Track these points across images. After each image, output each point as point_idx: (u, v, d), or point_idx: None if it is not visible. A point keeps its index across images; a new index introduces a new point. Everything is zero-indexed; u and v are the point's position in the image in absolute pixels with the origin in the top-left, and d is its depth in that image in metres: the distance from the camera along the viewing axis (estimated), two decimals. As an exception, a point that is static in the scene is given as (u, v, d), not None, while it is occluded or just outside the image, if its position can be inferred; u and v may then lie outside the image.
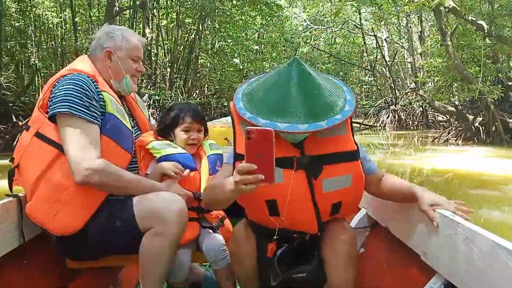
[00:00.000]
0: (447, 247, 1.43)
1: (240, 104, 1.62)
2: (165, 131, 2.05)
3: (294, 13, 27.31)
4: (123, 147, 1.78)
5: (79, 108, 1.62)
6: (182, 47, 19.58)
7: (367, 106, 29.05)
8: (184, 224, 1.71)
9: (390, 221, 1.93)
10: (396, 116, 22.13)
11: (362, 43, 33.68)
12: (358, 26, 28.76)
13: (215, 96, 26.03)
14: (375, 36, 21.88)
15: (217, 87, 25.19)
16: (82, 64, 1.81)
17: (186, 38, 19.80)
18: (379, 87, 23.03)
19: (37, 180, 1.63)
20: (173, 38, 17.87)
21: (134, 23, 17.05)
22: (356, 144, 1.65)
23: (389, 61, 21.77)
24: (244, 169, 1.25)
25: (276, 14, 25.62)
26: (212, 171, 2.02)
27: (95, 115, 1.67)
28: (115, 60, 1.86)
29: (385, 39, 22.49)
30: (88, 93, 1.66)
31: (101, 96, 1.72)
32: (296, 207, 1.58)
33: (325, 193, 1.59)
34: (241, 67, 21.84)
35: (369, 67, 23.82)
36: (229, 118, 1.84)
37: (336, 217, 1.71)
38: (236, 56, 17.68)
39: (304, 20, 27.83)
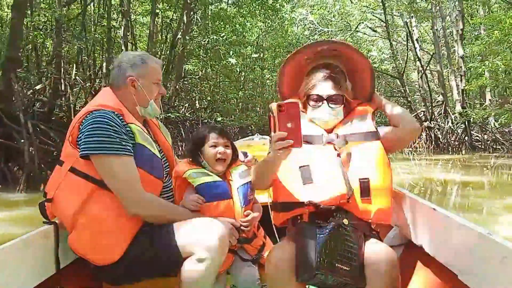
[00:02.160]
0: (484, 265, 1.40)
1: None
2: (194, 153, 2.06)
3: (301, 13, 22.72)
4: (155, 176, 1.79)
5: (111, 146, 1.64)
6: (160, 45, 14.95)
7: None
8: (225, 251, 1.71)
9: (425, 239, 1.85)
10: (432, 135, 17.45)
11: (381, 46, 29.68)
12: (373, 29, 24.71)
13: (207, 110, 21.48)
14: (408, 33, 17.21)
15: (209, 98, 20.63)
16: (106, 98, 1.81)
17: (165, 34, 15.16)
18: (408, 99, 18.37)
19: (76, 213, 1.65)
20: (149, 33, 13.15)
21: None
22: (376, 128, 1.91)
23: (423, 66, 17.09)
24: (277, 136, 1.51)
25: (278, 15, 21.40)
26: (244, 203, 1.99)
27: (128, 147, 1.69)
28: (139, 87, 1.84)
29: (416, 40, 17.80)
30: (116, 128, 1.67)
31: (128, 129, 1.72)
32: (326, 172, 1.78)
33: (351, 166, 1.81)
34: (238, 69, 17.12)
35: (396, 73, 19.11)
36: (255, 137, 2.43)
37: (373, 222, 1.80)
38: (231, 55, 13.05)
39: (311, 22, 23.34)
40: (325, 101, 1.90)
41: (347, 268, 1.58)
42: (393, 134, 1.91)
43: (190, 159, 2.06)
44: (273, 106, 1.68)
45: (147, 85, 1.86)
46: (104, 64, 12.92)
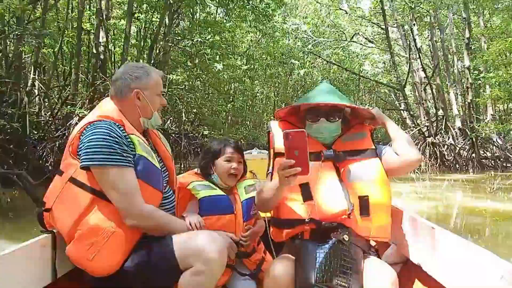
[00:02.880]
0: (483, 284, 1.39)
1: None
2: (206, 165, 2.07)
3: (294, 23, 21.34)
4: (154, 187, 1.78)
5: (112, 157, 1.64)
6: (138, 50, 13.32)
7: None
8: (224, 264, 1.70)
9: (423, 258, 1.84)
10: (438, 152, 15.93)
11: (374, 59, 28.42)
12: (369, 40, 23.47)
13: (193, 123, 19.89)
14: (414, 40, 15.79)
15: (194, 111, 19.03)
16: (107, 109, 1.82)
17: (144, 38, 13.56)
18: (411, 113, 16.89)
19: (75, 223, 1.64)
20: (124, 35, 11.52)
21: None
22: (375, 145, 1.96)
23: (428, 77, 15.63)
24: (285, 164, 1.54)
25: (269, 23, 20.01)
26: (246, 218, 2.01)
27: (129, 158, 1.69)
28: (143, 99, 1.85)
29: (419, 49, 16.37)
30: (117, 139, 1.67)
31: (129, 140, 1.72)
32: (326, 189, 1.81)
33: (351, 183, 1.84)
34: (225, 76, 15.53)
35: (397, 85, 17.61)
36: (253, 151, 2.42)
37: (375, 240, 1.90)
38: (218, 60, 11.47)
39: (304, 32, 21.99)
40: (323, 118, 1.92)
41: (345, 285, 1.57)
42: (394, 161, 1.91)
43: (198, 171, 2.09)
44: (273, 124, 2.07)
45: (151, 97, 1.87)
46: (73, 70, 11.27)
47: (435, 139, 16.13)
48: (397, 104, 34.17)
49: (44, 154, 10.01)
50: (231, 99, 22.92)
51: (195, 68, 14.79)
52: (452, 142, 16.06)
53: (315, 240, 1.71)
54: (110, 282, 1.68)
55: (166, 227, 1.77)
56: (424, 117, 17.11)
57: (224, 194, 2.01)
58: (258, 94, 26.92)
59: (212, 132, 19.04)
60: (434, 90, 16.36)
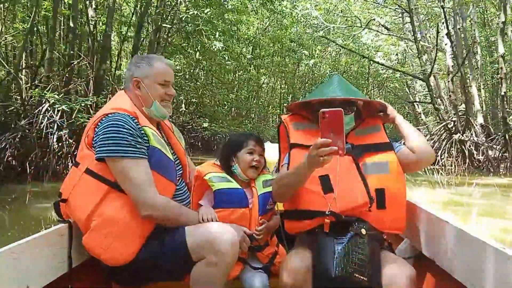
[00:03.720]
0: (497, 280, 1.36)
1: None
2: (228, 157, 2.06)
3: (305, 7, 19.28)
4: (168, 179, 1.79)
5: (127, 149, 1.65)
6: (124, 26, 11.38)
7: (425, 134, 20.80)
8: (236, 256, 1.71)
9: (436, 252, 1.81)
10: (466, 151, 13.97)
11: (388, 50, 26.39)
12: (387, 27, 21.49)
13: (194, 114, 18.04)
14: (444, 17, 13.64)
15: (195, 101, 17.18)
16: (121, 101, 1.83)
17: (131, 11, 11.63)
18: (436, 106, 14.88)
19: (90, 214, 1.65)
20: (108, 10, 9.59)
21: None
22: (390, 139, 1.94)
23: (459, 65, 13.59)
24: (321, 143, 1.49)
25: (278, 7, 18.05)
26: (261, 212, 1.98)
27: (143, 150, 1.71)
28: (143, 87, 1.86)
29: (448, 32, 14.29)
30: (131, 131, 1.68)
31: (143, 132, 1.73)
32: (346, 182, 1.77)
33: (367, 176, 1.81)
34: (226, 57, 13.58)
35: (421, 75, 15.51)
36: (265, 145, 2.21)
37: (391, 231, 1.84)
38: (218, 37, 9.58)
39: (316, 17, 19.98)
40: None
41: (364, 278, 1.55)
42: (408, 159, 1.89)
43: (217, 162, 2.07)
44: (284, 117, 2.09)
45: (150, 85, 1.86)
46: (48, 48, 9.40)
47: (462, 136, 14.16)
48: (410, 97, 32.31)
49: (5, 146, 8.19)
50: (235, 90, 21.02)
51: (194, 52, 12.99)
52: (482, 140, 14.09)
53: (334, 233, 1.68)
54: (124, 272, 1.71)
55: (179, 219, 1.76)
56: (448, 111, 15.09)
57: (240, 187, 1.98)
58: (263, 85, 25.03)
59: (213, 125, 17.26)
60: (462, 82, 14.33)
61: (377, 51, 32.89)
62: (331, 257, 1.60)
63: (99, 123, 1.71)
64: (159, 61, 1.91)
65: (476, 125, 14.25)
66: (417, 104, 29.12)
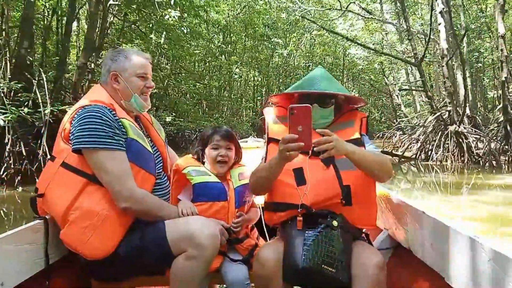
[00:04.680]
0: (471, 269, 1.37)
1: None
2: (200, 152, 2.04)
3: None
4: (147, 171, 1.75)
5: (104, 140, 1.62)
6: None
7: (406, 126, 19.03)
8: (217, 249, 1.69)
9: (413, 243, 1.82)
10: (464, 144, 12.21)
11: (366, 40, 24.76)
12: (368, 10, 19.62)
13: (158, 109, 15.75)
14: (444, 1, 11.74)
15: (157, 91, 14.87)
16: (97, 93, 1.80)
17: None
18: (429, 93, 12.99)
19: (68, 208, 1.62)
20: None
21: None
22: (361, 134, 1.90)
23: (459, 45, 11.70)
24: (288, 138, 1.51)
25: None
26: (238, 205, 1.95)
27: (121, 142, 1.67)
28: (121, 81, 1.82)
29: (443, 11, 12.36)
30: (109, 122, 1.65)
31: (120, 124, 1.70)
32: (319, 175, 1.76)
33: (340, 172, 1.78)
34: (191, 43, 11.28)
35: (413, 60, 13.49)
36: (249, 140, 2.91)
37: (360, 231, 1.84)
38: (174, 5, 7.37)
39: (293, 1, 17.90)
40: (315, 104, 1.87)
41: (333, 270, 1.55)
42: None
43: (195, 156, 2.04)
44: (266, 111, 2.05)
45: (129, 78, 1.82)
46: None
47: (459, 127, 12.39)
48: (390, 89, 30.74)
49: None
50: (205, 81, 18.77)
51: (149, 31, 10.79)
52: (480, 132, 12.38)
53: (306, 225, 1.67)
54: (103, 267, 1.68)
55: (158, 212, 1.73)
56: (438, 100, 13.27)
57: (218, 181, 1.95)
58: (236, 76, 22.87)
59: (179, 120, 15.05)
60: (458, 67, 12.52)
61: (353, 40, 31.49)
62: (301, 249, 1.58)
63: (75, 115, 1.66)
64: (136, 55, 1.87)
65: (469, 115, 12.53)
66: (397, 95, 27.59)
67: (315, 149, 1.58)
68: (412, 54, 12.88)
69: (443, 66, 12.42)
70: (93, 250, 1.62)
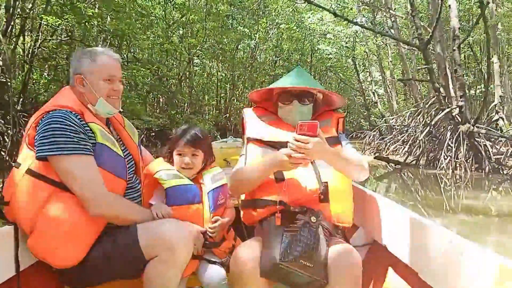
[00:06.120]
0: (443, 263, 1.38)
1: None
2: (168, 156, 1.95)
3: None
4: (118, 176, 1.68)
5: (69, 146, 1.55)
6: None
7: (399, 124, 16.40)
8: (190, 252, 1.65)
9: (388, 239, 1.84)
10: (481, 147, 9.47)
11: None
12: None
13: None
14: None
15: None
16: (64, 97, 1.71)
17: None
18: (436, 84, 10.08)
19: (34, 216, 1.54)
20: None
21: None
22: (339, 133, 1.94)
23: (474, 26, 8.84)
24: (296, 155, 1.59)
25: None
26: (213, 208, 1.88)
27: (88, 146, 1.60)
28: (87, 84, 1.71)
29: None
30: (74, 128, 1.57)
31: (88, 128, 1.63)
32: (297, 171, 1.74)
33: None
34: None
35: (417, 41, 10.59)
36: (228, 139, 2.59)
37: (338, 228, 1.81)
38: None
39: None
40: (295, 100, 1.89)
41: (310, 265, 1.53)
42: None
43: (166, 159, 1.96)
44: (246, 111, 2.07)
45: (95, 82, 1.72)
46: None
47: (474, 127, 9.64)
48: (362, 86, 28.26)
49: None
50: (158, 72, 15.38)
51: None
52: (498, 133, 9.69)
53: (284, 222, 1.66)
54: (75, 273, 1.61)
55: (130, 217, 1.66)
56: (458, 94, 10.44)
57: (192, 183, 1.86)
58: (197, 69, 19.62)
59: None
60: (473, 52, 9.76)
61: (324, 35, 28.89)
62: (278, 245, 1.56)
63: (40, 121, 1.58)
64: (103, 55, 1.76)
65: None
66: (373, 93, 25.16)
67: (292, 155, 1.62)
68: (416, 35, 9.93)
69: (454, 50, 9.60)
70: (62, 258, 1.55)
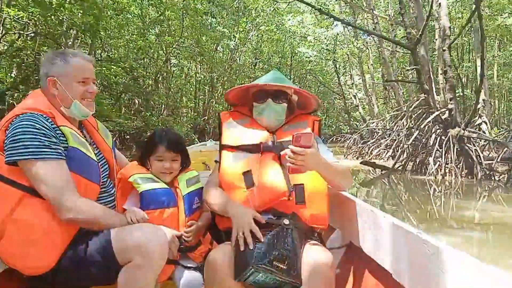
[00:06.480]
0: (414, 263, 1.39)
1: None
2: (143, 160, 1.93)
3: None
4: (90, 180, 1.65)
5: (40, 150, 1.51)
6: None
7: (381, 128, 15.93)
8: (165, 257, 1.58)
9: (363, 241, 1.82)
10: (472, 152, 8.99)
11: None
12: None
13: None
14: None
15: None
16: (34, 100, 1.66)
17: None
18: (425, 86, 9.52)
19: (3, 222, 1.50)
20: None
21: None
22: (315, 137, 1.84)
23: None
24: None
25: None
26: (188, 212, 1.85)
27: (59, 150, 1.56)
28: (60, 87, 1.67)
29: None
30: (45, 131, 1.53)
31: (59, 132, 1.58)
32: (267, 176, 1.76)
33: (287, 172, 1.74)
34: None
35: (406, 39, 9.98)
36: (208, 143, 2.24)
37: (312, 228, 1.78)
38: None
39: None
40: (270, 98, 1.88)
41: (284, 267, 1.51)
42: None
43: (140, 163, 1.93)
44: (223, 115, 2.03)
45: (68, 84, 1.67)
46: None
47: (465, 131, 9.16)
48: (342, 89, 27.90)
49: None
50: (133, 72, 14.49)
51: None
52: (489, 137, 9.23)
53: (257, 225, 1.62)
54: (47, 280, 1.55)
55: (103, 221, 1.60)
56: (447, 95, 9.93)
57: (167, 187, 1.84)
58: (174, 69, 18.74)
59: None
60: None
61: (304, 37, 28.48)
62: (252, 246, 1.54)
63: (9, 125, 1.54)
64: (76, 57, 1.71)
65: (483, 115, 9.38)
66: (354, 96, 24.84)
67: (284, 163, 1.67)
68: (405, 35, 9.41)
69: (444, 50, 9.10)
70: (32, 265, 1.51)
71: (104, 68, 10.31)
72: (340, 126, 36.10)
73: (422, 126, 9.96)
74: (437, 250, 1.24)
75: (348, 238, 2.03)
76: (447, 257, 1.21)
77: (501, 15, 15.97)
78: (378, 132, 17.80)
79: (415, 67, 9.45)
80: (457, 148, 9.22)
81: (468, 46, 20.27)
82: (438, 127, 9.67)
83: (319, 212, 1.77)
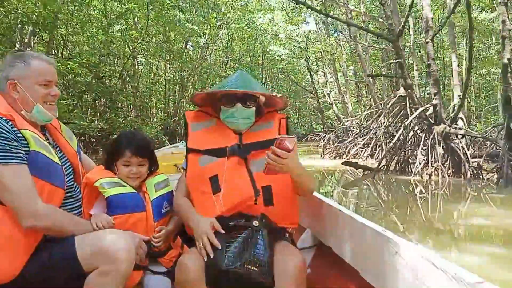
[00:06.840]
0: (380, 261, 1.39)
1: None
2: (109, 164, 1.87)
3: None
4: (54, 184, 1.59)
5: (1, 154, 1.45)
6: None
7: (358, 126, 15.38)
8: (132, 263, 1.53)
9: (332, 240, 1.85)
10: (459, 151, 8.46)
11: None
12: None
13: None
14: None
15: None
16: None
17: None
18: (407, 81, 8.92)
19: None
20: None
21: None
22: (280, 134, 1.84)
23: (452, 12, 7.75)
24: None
25: None
26: (157, 217, 1.82)
27: (20, 154, 1.49)
28: (21, 90, 1.61)
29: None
30: (5, 135, 1.47)
31: (20, 135, 1.52)
32: (233, 180, 1.73)
33: (255, 173, 1.74)
34: None
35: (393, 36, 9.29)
36: (179, 145, 2.25)
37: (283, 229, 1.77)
38: None
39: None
40: (239, 103, 1.83)
41: (256, 269, 1.52)
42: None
43: (106, 167, 1.88)
44: (188, 115, 1.97)
45: (30, 87, 1.61)
46: None
47: (449, 127, 8.63)
48: (314, 87, 27.39)
49: None
50: (97, 71, 13.38)
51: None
52: (477, 134, 8.74)
53: (227, 229, 1.63)
54: (10, 287, 1.50)
55: (66, 228, 1.56)
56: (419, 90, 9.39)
57: (134, 191, 1.80)
58: (141, 67, 17.69)
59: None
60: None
61: (276, 35, 27.84)
62: (223, 250, 1.54)
63: None
64: (37, 59, 1.65)
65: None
66: (328, 94, 24.34)
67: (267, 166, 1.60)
68: (386, 26, 8.80)
69: (427, 42, 8.54)
70: None
71: (59, 64, 9.25)
72: (313, 125, 35.67)
73: (406, 123, 9.37)
74: (401, 248, 1.25)
75: (318, 238, 2.04)
76: (409, 254, 1.21)
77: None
78: (354, 131, 17.34)
79: (398, 60, 8.86)
80: (443, 146, 8.68)
81: (440, 43, 20.03)
82: (422, 124, 9.11)
83: (288, 212, 1.78)
